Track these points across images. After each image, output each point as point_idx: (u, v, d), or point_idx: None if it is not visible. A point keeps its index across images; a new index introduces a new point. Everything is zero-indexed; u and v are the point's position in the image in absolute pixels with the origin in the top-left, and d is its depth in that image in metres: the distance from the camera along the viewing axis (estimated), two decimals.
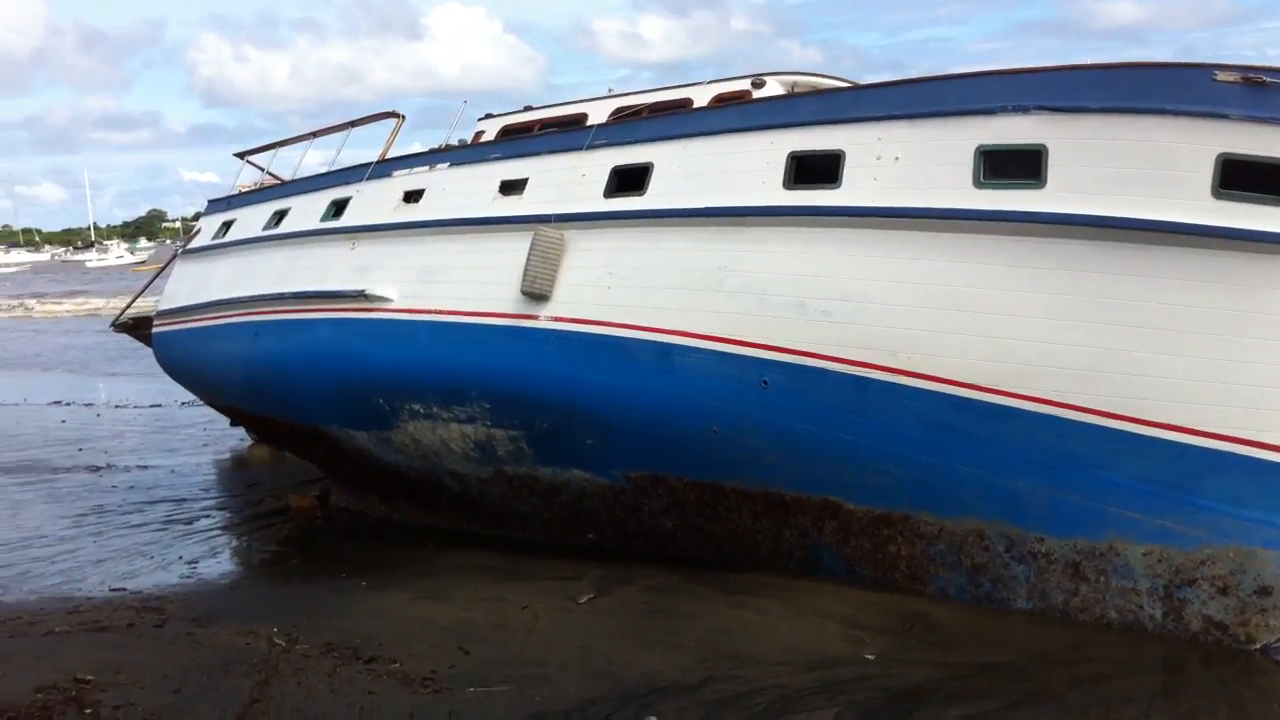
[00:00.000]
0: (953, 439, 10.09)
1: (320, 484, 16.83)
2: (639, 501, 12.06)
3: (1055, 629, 9.90)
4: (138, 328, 21.03)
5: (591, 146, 12.16)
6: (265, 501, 16.93)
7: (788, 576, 11.33)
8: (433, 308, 13.04)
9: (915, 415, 10.16)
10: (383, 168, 14.53)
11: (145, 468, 19.49)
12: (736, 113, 11.57)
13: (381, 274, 13.69)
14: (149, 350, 21.03)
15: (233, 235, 16.94)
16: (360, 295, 13.71)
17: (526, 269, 12.02)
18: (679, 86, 13.64)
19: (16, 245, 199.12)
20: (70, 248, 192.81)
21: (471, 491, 13.65)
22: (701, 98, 13.12)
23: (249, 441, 21.35)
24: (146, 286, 21.64)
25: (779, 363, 10.62)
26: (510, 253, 12.27)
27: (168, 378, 19.57)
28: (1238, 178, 8.91)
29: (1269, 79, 8.84)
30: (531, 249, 12.01)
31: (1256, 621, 9.50)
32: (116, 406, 27.29)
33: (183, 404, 25.69)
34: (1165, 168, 9.10)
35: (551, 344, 11.97)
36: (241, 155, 18.49)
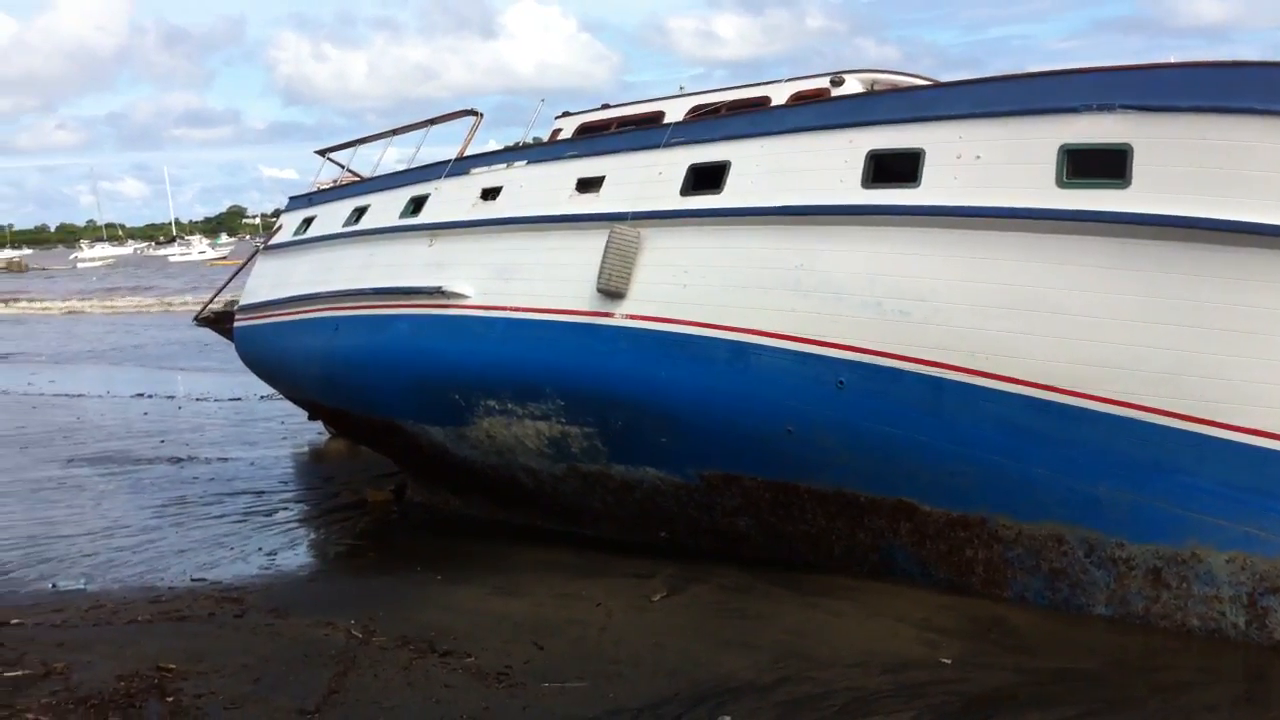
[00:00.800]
0: (1031, 442, 9.97)
1: (396, 478, 17.00)
2: (712, 500, 12.05)
3: (1135, 635, 9.74)
4: (219, 322, 21.38)
5: (669, 144, 12.17)
6: (342, 495, 17.14)
7: (862, 578, 11.25)
8: (509, 305, 13.12)
9: (993, 417, 10.05)
10: (461, 165, 14.65)
11: (225, 460, 19.81)
12: (815, 111, 11.51)
13: (458, 271, 13.80)
14: (229, 344, 21.42)
15: (313, 231, 17.16)
16: (437, 292, 13.82)
17: (602, 267, 12.05)
18: (757, 85, 13.60)
19: (100, 240, 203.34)
20: (153, 243, 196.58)
21: (545, 488, 13.71)
22: (779, 96, 13.07)
23: (326, 435, 21.62)
24: (228, 282, 22.00)
25: (855, 363, 10.56)
26: (586, 250, 12.31)
27: (247, 372, 19.89)
28: None
29: None
30: (607, 247, 12.04)
31: None
32: (197, 399, 27.76)
33: (262, 397, 26.08)
34: (1254, 168, 8.91)
35: (626, 342, 11.99)
36: (322, 152, 18.74)
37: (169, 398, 28.28)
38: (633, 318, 11.93)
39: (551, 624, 10.37)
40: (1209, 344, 9.19)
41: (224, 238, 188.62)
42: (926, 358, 10.19)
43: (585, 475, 13.04)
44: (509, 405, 13.13)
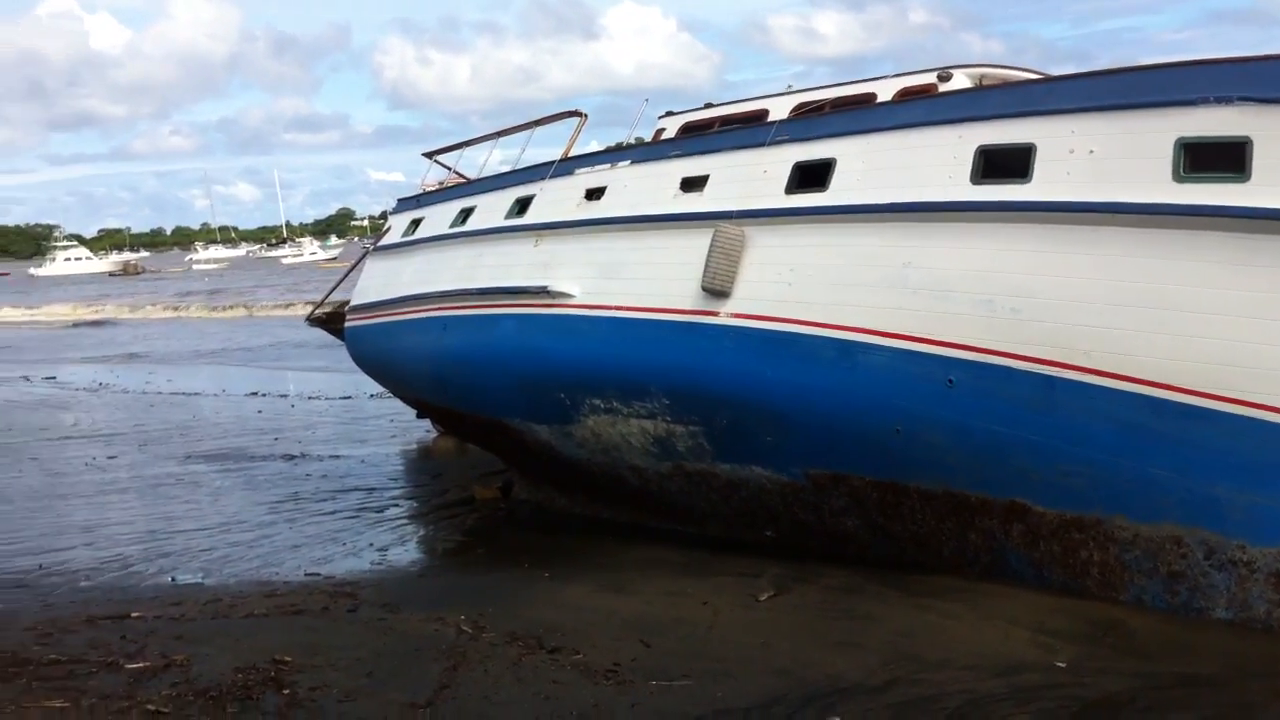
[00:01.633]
0: (1147, 441, 9.74)
1: (503, 476, 17.17)
2: (819, 500, 11.98)
3: (1257, 640, 9.45)
4: (330, 322, 21.80)
5: (773, 142, 12.12)
6: (450, 492, 17.37)
7: (973, 580, 11.08)
8: (613, 304, 13.18)
9: (1107, 416, 9.83)
10: (565, 166, 14.74)
11: (337, 457, 20.20)
12: (923, 106, 11.38)
13: (563, 270, 13.89)
14: (338, 343, 21.84)
15: (421, 233, 17.40)
16: (543, 291, 13.94)
17: (707, 265, 12.04)
18: (862, 81, 13.49)
19: (214, 242, 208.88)
20: (264, 245, 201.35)
21: (650, 486, 13.75)
22: (885, 92, 12.94)
23: (434, 433, 21.92)
24: (339, 283, 22.41)
25: (965, 361, 10.41)
26: (691, 249, 12.31)
27: (357, 371, 20.28)
28: None
29: None
30: (712, 245, 12.04)
31: None
32: (309, 398, 28.32)
33: (371, 396, 26.51)
34: None
35: (731, 340, 11.97)
36: (429, 155, 19.00)
37: (281, 396, 28.92)
38: (737, 316, 11.90)
39: (658, 622, 10.40)
40: None
41: (333, 239, 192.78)
42: (1039, 356, 10.02)
43: (690, 474, 13.05)
44: (614, 404, 13.19)
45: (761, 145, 12.21)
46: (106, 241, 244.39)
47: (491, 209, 15.70)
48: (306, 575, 12.86)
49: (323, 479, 18.38)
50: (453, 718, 8.07)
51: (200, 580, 12.78)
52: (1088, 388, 9.85)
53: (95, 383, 33.80)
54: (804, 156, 11.81)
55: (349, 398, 27.68)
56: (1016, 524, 10.72)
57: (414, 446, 21.62)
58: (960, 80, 12.72)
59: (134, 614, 10.93)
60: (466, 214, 16.27)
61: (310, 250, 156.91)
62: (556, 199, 14.52)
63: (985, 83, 12.75)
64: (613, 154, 14.41)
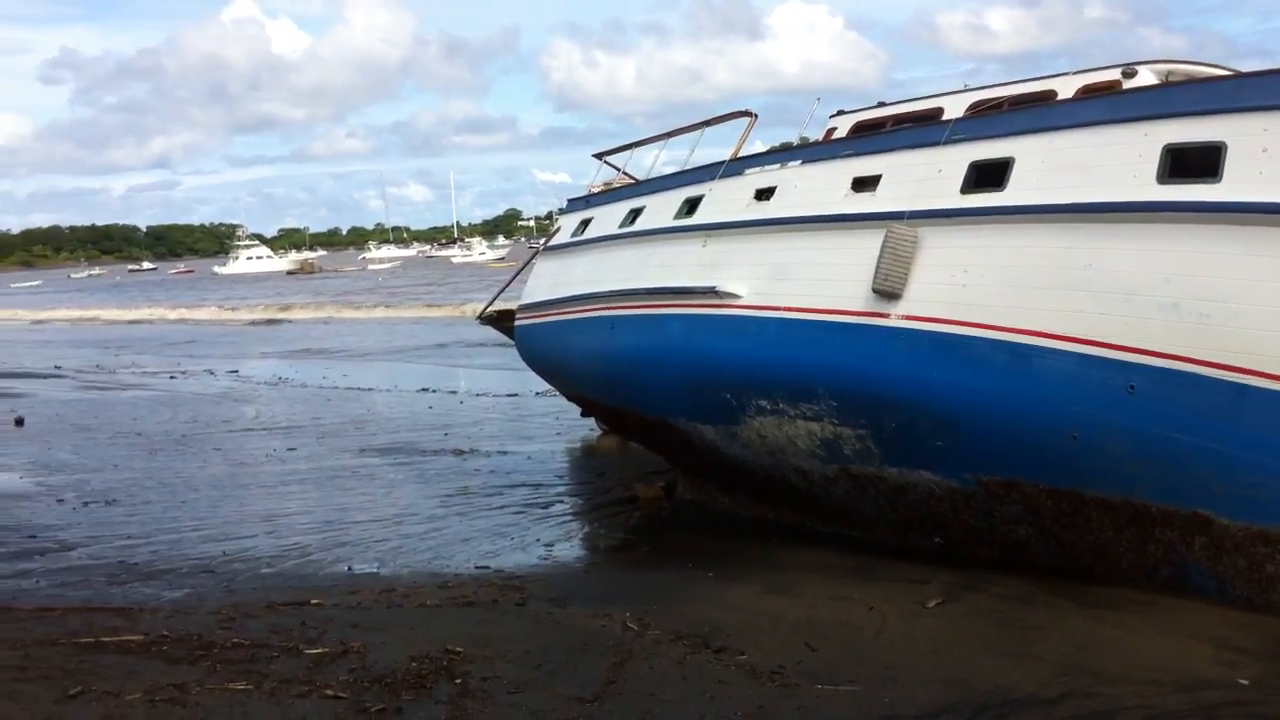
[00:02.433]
0: None
1: (666, 475, 17.23)
2: (991, 507, 11.72)
3: None
4: (501, 321, 22.18)
5: (949, 141, 11.90)
6: (614, 490, 17.51)
7: (1151, 592, 10.71)
8: (782, 305, 13.11)
9: None
10: (735, 166, 14.73)
11: (504, 453, 20.57)
12: (1107, 104, 11.03)
13: (732, 271, 13.88)
14: (505, 341, 22.22)
15: (590, 233, 17.59)
16: (711, 292, 13.95)
17: (878, 266, 11.89)
18: (1041, 78, 13.15)
19: (387, 242, 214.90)
20: (435, 245, 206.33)
21: (816, 489, 13.64)
22: (1066, 89, 12.58)
23: (598, 431, 22.14)
24: (509, 282, 22.79)
25: (1147, 367, 10.06)
26: (861, 250, 12.17)
27: (523, 369, 20.62)
28: None
29: None
30: (884, 246, 11.88)
31: None
32: (477, 395, 28.91)
33: (537, 394, 26.93)
34: None
35: (902, 343, 11.80)
36: (599, 156, 19.18)
37: (451, 392, 29.58)
38: (909, 318, 11.72)
39: (824, 625, 10.32)
40: None
41: (500, 239, 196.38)
42: (1228, 362, 9.62)
43: (857, 477, 12.90)
44: (781, 405, 13.12)
45: (936, 144, 12.00)
46: (286, 241, 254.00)
47: (660, 209, 15.78)
48: (476, 568, 13.12)
49: (491, 474, 18.72)
50: (619, 713, 8.12)
51: (375, 570, 13.13)
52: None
53: (275, 377, 35.11)
54: (981, 155, 11.57)
55: (516, 395, 28.15)
56: (1199, 536, 10.32)
57: (578, 444, 21.87)
58: (1145, 77, 12.30)
59: (313, 601, 11.31)
60: (635, 214, 16.38)
61: (479, 250, 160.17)
62: (725, 199, 14.51)
63: (1172, 79, 12.30)
64: (783, 154, 14.34)
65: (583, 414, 21.36)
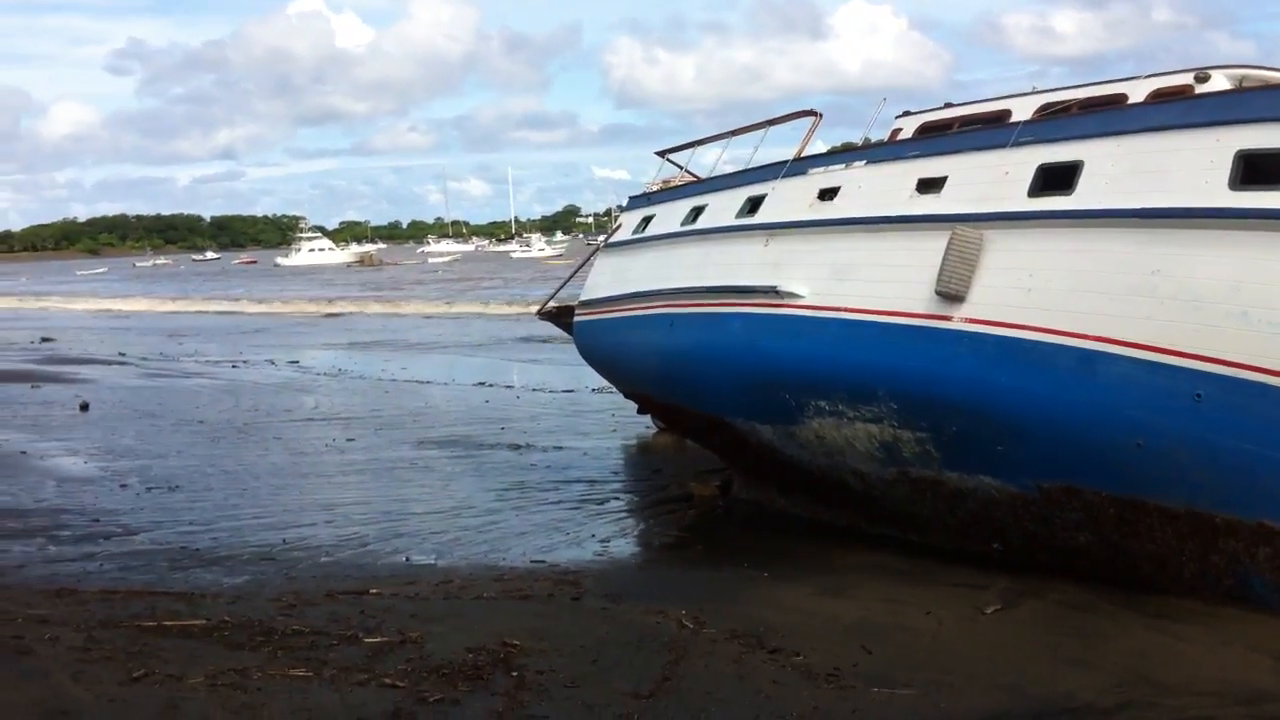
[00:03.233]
0: None
1: (721, 474, 17.21)
2: (1051, 513, 11.59)
3: None
4: (560, 316, 22.23)
5: (1016, 144, 11.78)
6: (669, 488, 17.52)
7: (1212, 603, 10.58)
8: (843, 305, 13.04)
9: None
10: (798, 166, 14.67)
11: (560, 449, 20.63)
12: (1180, 108, 10.88)
13: (793, 271, 13.83)
14: (562, 337, 22.26)
15: (651, 230, 17.59)
16: (772, 291, 13.91)
17: (942, 269, 11.80)
18: (1110, 82, 12.98)
19: (446, 236, 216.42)
20: (493, 239, 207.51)
21: (873, 491, 13.57)
22: (1137, 93, 12.41)
23: (654, 429, 22.14)
24: (569, 278, 22.84)
25: (1215, 375, 9.92)
26: (925, 252, 12.09)
27: (579, 365, 20.66)
28: None
29: None
30: (948, 248, 11.79)
31: None
32: (533, 390, 29.00)
33: (593, 390, 26.97)
34: None
35: (964, 346, 11.70)
36: (662, 154, 19.19)
37: (508, 387, 29.71)
38: (972, 322, 11.62)
39: (880, 628, 10.28)
40: None
41: (559, 235, 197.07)
42: None
43: (916, 481, 12.82)
44: (840, 407, 13.06)
45: (1004, 146, 11.89)
46: (347, 233, 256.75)
47: (722, 208, 15.75)
48: (532, 562, 13.18)
49: (547, 469, 18.78)
50: (674, 710, 8.15)
51: (433, 561, 13.22)
52: None
53: (334, 368, 35.44)
54: (1049, 159, 11.45)
55: (571, 391, 28.21)
56: (1263, 547, 10.17)
57: (633, 441, 21.90)
58: (1218, 81, 12.11)
59: (371, 591, 11.42)
60: (697, 212, 16.37)
61: (538, 246, 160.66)
62: (788, 199, 14.46)
63: (1246, 85, 12.11)
64: (847, 154, 14.28)
65: (639, 411, 21.37)
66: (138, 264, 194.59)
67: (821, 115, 15.52)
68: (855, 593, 11.57)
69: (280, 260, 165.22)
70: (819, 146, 15.82)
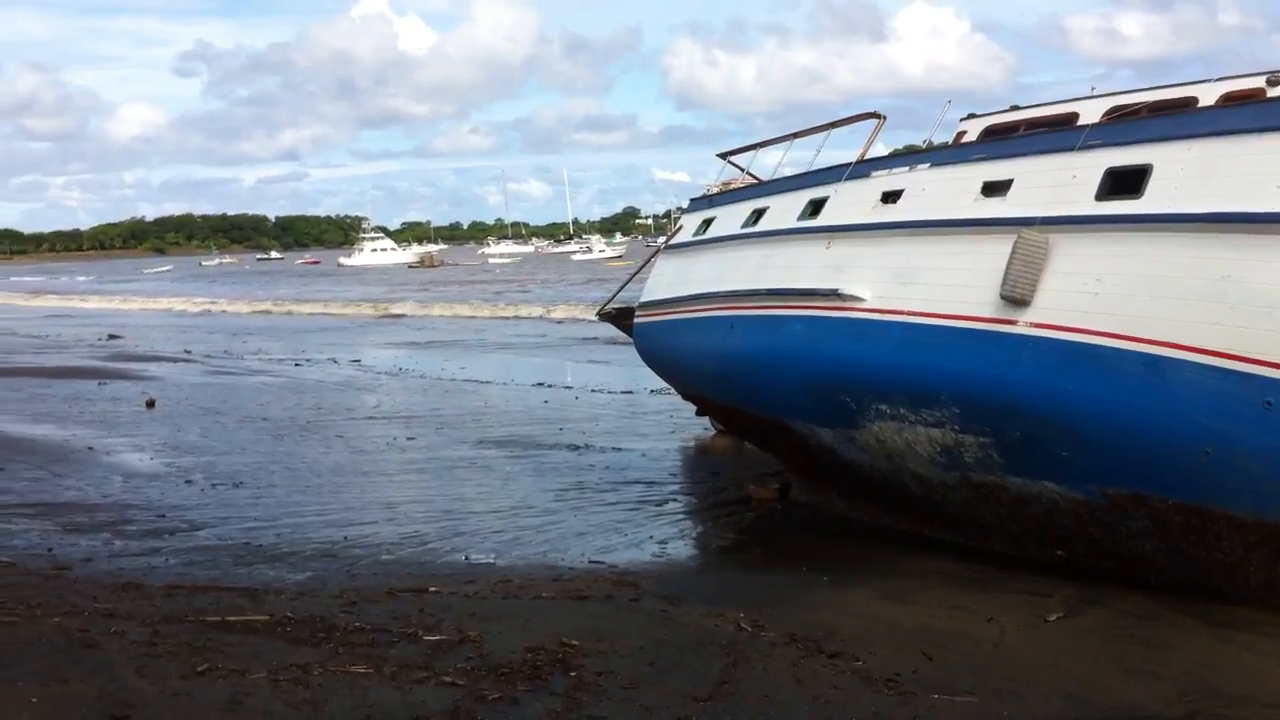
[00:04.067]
0: None
1: (780, 477, 17.13)
2: (1116, 520, 11.44)
3: None
4: (620, 318, 22.27)
5: (1084, 147, 11.63)
6: (728, 490, 17.46)
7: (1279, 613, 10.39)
8: (906, 309, 12.94)
9: None
10: (861, 168, 14.59)
11: (619, 450, 20.65)
12: (1253, 112, 10.68)
13: (855, 273, 13.75)
14: (621, 338, 22.27)
15: (712, 232, 17.57)
16: (833, 294, 13.83)
17: (1007, 273, 11.67)
18: (1180, 85, 12.80)
19: (506, 237, 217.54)
20: (552, 241, 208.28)
21: (934, 496, 13.46)
22: (1208, 96, 12.22)
23: (712, 431, 22.10)
24: (629, 280, 22.89)
25: None
26: (989, 255, 11.96)
27: (639, 366, 20.64)
28: None
29: None
30: (1013, 252, 11.66)
31: None
32: (592, 390, 29.05)
33: (651, 392, 26.98)
34: None
35: (1029, 351, 11.57)
36: (723, 155, 19.18)
37: (566, 388, 29.79)
38: (1037, 326, 11.49)
39: (941, 635, 10.19)
40: None
41: (618, 237, 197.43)
42: None
43: (978, 486, 12.70)
44: (901, 410, 12.97)
45: (1071, 149, 11.75)
46: (409, 234, 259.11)
47: (783, 210, 15.69)
48: (591, 562, 13.19)
49: (605, 470, 18.81)
50: (733, 713, 8.12)
51: (492, 561, 13.27)
52: None
53: (395, 367, 35.74)
54: (1118, 162, 11.29)
55: (630, 392, 28.23)
56: None
57: (692, 443, 21.86)
58: None
59: (431, 589, 11.48)
60: (758, 215, 16.32)
61: (598, 248, 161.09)
62: (851, 201, 14.38)
63: None
64: (911, 156, 14.18)
65: (698, 413, 21.36)
66: (203, 263, 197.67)
67: (885, 118, 15.44)
68: (916, 598, 11.47)
69: (343, 260, 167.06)
70: (881, 149, 15.74)
